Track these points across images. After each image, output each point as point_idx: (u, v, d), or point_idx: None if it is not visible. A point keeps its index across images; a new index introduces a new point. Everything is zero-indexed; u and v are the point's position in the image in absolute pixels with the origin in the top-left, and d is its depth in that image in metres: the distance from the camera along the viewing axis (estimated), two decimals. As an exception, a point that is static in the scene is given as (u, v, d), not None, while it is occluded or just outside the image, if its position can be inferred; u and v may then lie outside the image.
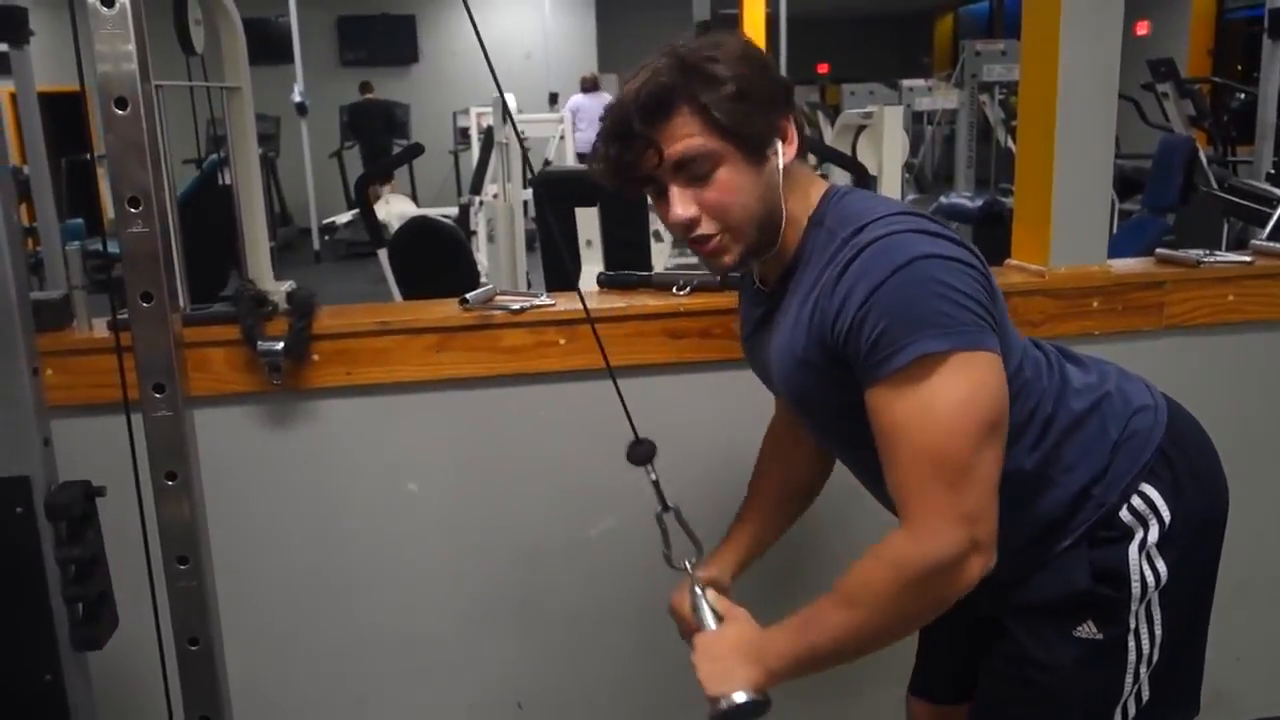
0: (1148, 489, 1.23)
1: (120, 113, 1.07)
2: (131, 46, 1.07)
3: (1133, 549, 1.22)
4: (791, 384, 1.23)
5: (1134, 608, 1.22)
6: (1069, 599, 1.23)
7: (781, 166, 1.18)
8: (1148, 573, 1.22)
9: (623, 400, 1.37)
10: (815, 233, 1.20)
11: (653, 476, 1.36)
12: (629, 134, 1.14)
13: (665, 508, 1.36)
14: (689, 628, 1.35)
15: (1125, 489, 1.23)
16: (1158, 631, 1.24)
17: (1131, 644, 1.23)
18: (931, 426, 1.07)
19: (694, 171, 1.15)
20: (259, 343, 1.62)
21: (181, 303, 2.10)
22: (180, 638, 1.21)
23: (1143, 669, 1.24)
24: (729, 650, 1.23)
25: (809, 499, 1.52)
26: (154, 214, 1.09)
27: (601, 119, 1.18)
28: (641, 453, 1.36)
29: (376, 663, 1.85)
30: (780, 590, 1.58)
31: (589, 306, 1.77)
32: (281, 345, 1.63)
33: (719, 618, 1.30)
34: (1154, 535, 1.22)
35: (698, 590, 1.33)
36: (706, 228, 1.18)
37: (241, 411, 1.70)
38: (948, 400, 1.07)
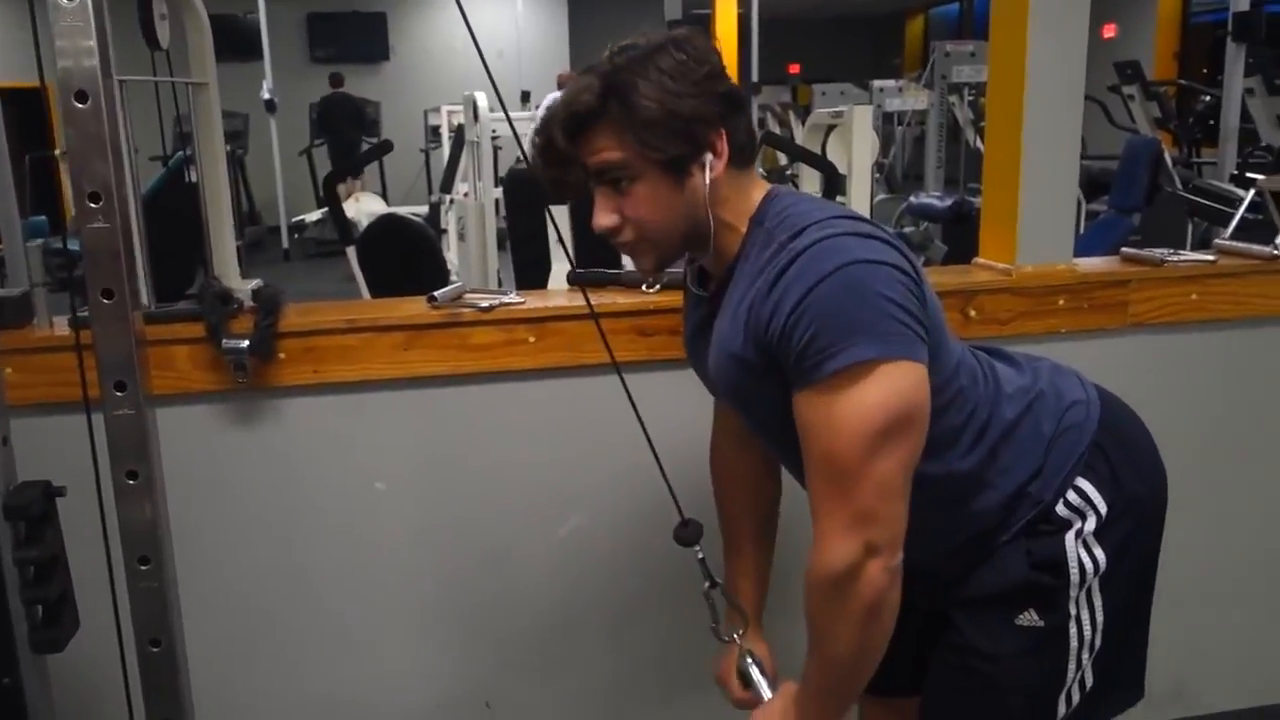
0: (1082, 483, 1.25)
1: (80, 106, 1.05)
2: (92, 41, 1.06)
3: (1069, 537, 1.24)
4: (729, 382, 1.24)
5: (1074, 594, 1.25)
6: (1009, 589, 1.25)
7: (709, 180, 1.18)
8: (1086, 560, 1.24)
9: (650, 441, 1.36)
10: (755, 232, 1.21)
11: (700, 555, 1.42)
12: (553, 147, 1.19)
13: (713, 584, 1.44)
14: (738, 696, 1.44)
15: (1060, 485, 1.25)
16: (1099, 618, 1.26)
17: (1073, 630, 1.25)
18: (826, 434, 1.10)
19: (613, 180, 1.19)
20: (224, 340, 1.61)
21: (146, 300, 2.08)
22: (141, 639, 1.19)
23: (1085, 655, 1.26)
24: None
25: (778, 507, 1.53)
26: (115, 209, 1.07)
27: (535, 131, 1.22)
28: (689, 534, 1.43)
29: (343, 663, 1.84)
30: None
31: (562, 305, 1.77)
32: (247, 343, 1.61)
33: (770, 681, 1.39)
34: (1091, 525, 1.24)
35: (749, 660, 1.42)
36: (626, 235, 1.22)
37: (206, 410, 1.68)
38: (853, 408, 1.08)
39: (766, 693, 1.38)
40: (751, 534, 1.51)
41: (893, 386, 1.09)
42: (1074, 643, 1.26)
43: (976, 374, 1.26)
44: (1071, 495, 1.25)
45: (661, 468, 1.43)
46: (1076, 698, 1.28)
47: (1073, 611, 1.25)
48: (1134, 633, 1.33)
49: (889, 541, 1.11)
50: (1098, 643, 1.27)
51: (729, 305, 1.22)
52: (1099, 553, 1.24)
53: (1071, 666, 1.26)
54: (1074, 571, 1.24)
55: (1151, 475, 1.33)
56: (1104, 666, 1.28)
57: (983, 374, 1.27)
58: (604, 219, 1.21)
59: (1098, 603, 1.26)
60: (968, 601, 1.28)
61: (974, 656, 1.27)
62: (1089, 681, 1.28)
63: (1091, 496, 1.25)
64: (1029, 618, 1.25)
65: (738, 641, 1.44)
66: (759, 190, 1.24)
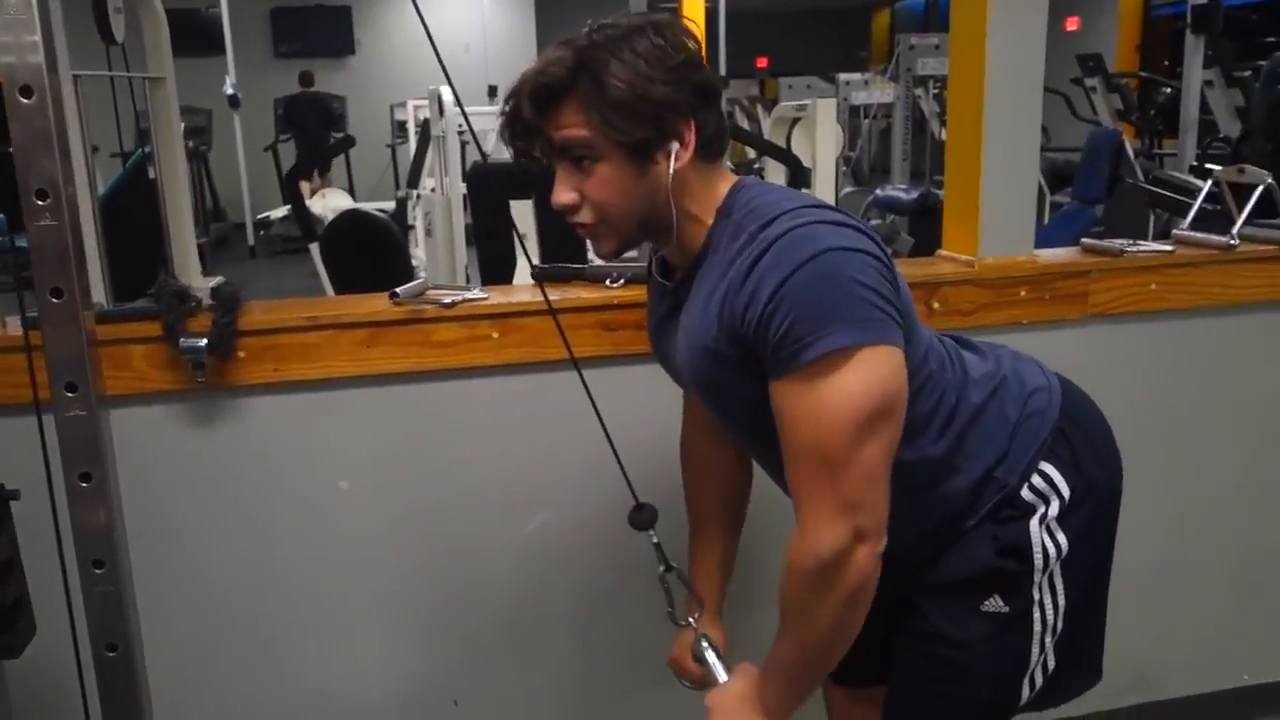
0: (1047, 467, 1.27)
1: (25, 101, 1.03)
2: (37, 36, 1.03)
3: (1033, 523, 1.26)
4: (700, 374, 1.23)
5: (1037, 579, 1.26)
6: (976, 575, 1.27)
7: (673, 170, 1.17)
8: (1049, 544, 1.26)
9: (605, 430, 1.37)
10: (722, 224, 1.20)
11: (655, 540, 1.42)
12: (519, 116, 1.17)
13: (668, 568, 1.43)
14: (695, 677, 1.44)
15: (1025, 469, 1.27)
16: (1061, 601, 1.28)
17: (1036, 615, 1.27)
18: (813, 423, 1.10)
19: (576, 158, 1.17)
20: (181, 339, 1.58)
21: (104, 299, 2.05)
22: (98, 644, 1.17)
23: (1048, 639, 1.29)
24: (740, 704, 1.28)
25: (747, 497, 1.54)
26: (63, 206, 1.05)
27: (505, 99, 1.20)
28: (644, 518, 1.42)
29: (309, 662, 1.82)
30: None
31: (526, 300, 1.76)
32: (205, 342, 1.58)
33: (726, 665, 1.37)
34: (1054, 509, 1.26)
35: (704, 644, 1.41)
36: (584, 216, 1.21)
37: (164, 410, 1.66)
38: (835, 396, 1.08)
39: (722, 675, 1.37)
40: (718, 523, 1.51)
41: (874, 373, 1.09)
42: (1037, 627, 1.28)
43: (944, 359, 1.27)
44: (1036, 479, 1.27)
45: (615, 451, 1.43)
46: (1039, 681, 1.31)
47: (1036, 596, 1.27)
48: (1092, 616, 1.36)
49: (876, 527, 1.12)
50: (1059, 626, 1.29)
51: (698, 298, 1.21)
52: (1061, 537, 1.26)
53: (1035, 650, 1.28)
54: (1038, 556, 1.26)
55: (1109, 461, 1.35)
56: (1065, 650, 1.31)
57: (950, 359, 1.28)
58: (563, 195, 1.19)
59: (1059, 587, 1.28)
60: (934, 588, 1.29)
61: (941, 643, 1.29)
62: (1051, 665, 1.30)
63: (1055, 481, 1.27)
64: (994, 604, 1.26)
65: (693, 625, 1.44)
66: (726, 183, 1.24)
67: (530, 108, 1.16)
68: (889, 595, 1.34)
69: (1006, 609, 1.26)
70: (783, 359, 1.10)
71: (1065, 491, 1.27)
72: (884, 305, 1.11)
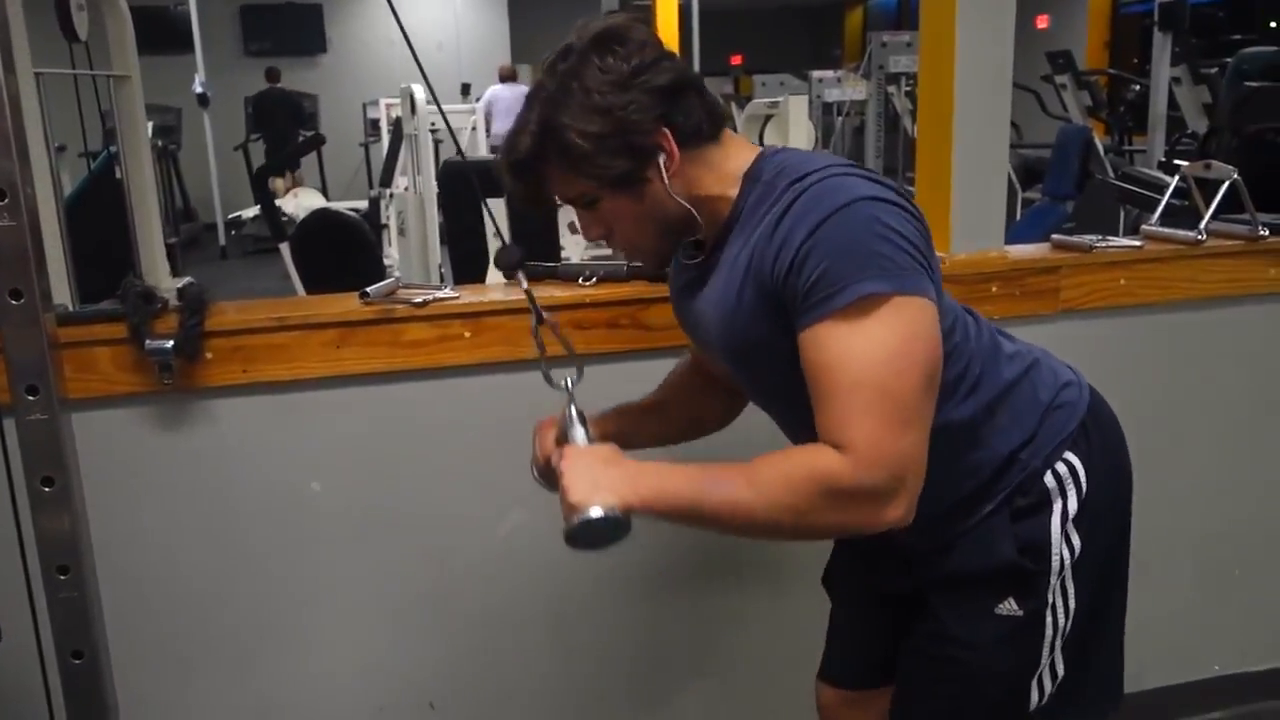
0: (1071, 457, 1.27)
1: (-19, 101, 1.02)
2: (-8, 33, 1.02)
3: (1055, 521, 1.25)
4: (731, 338, 1.21)
5: (1052, 582, 1.25)
6: (992, 572, 1.25)
7: (668, 178, 1.17)
8: (1063, 547, 1.25)
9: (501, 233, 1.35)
10: (749, 188, 1.20)
11: (524, 286, 1.36)
12: (514, 190, 1.22)
13: (540, 320, 1.36)
14: (543, 452, 1.33)
15: (1050, 455, 1.26)
16: (1072, 604, 1.27)
17: (1049, 618, 1.27)
18: (878, 363, 1.06)
19: (583, 205, 1.21)
20: (147, 341, 1.56)
21: (69, 301, 2.02)
22: (63, 651, 1.16)
23: (1058, 642, 1.28)
24: (600, 463, 1.15)
25: (702, 434, 1.50)
26: (22, 207, 1.04)
27: (496, 168, 1.23)
28: (508, 257, 1.35)
29: (281, 667, 1.80)
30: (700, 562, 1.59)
31: (498, 299, 1.75)
32: (171, 343, 1.56)
33: (591, 439, 1.24)
34: (1073, 505, 1.25)
35: (573, 408, 1.27)
36: (619, 243, 1.25)
37: (131, 413, 1.63)
38: (893, 339, 1.06)
39: (583, 440, 1.24)
40: (670, 415, 1.47)
41: (917, 322, 1.08)
42: (1049, 631, 1.27)
43: (969, 328, 1.26)
44: (1060, 466, 1.26)
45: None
46: (1049, 685, 1.29)
47: (1050, 599, 1.26)
48: (1103, 621, 1.34)
49: (916, 491, 1.09)
50: (1069, 628, 1.28)
51: (726, 259, 1.21)
52: (1075, 539, 1.26)
53: (1045, 652, 1.28)
54: (1055, 558, 1.25)
55: (1123, 468, 1.35)
56: (1073, 653, 1.29)
57: (977, 330, 1.28)
58: (592, 233, 1.24)
59: (1071, 590, 1.27)
60: (948, 583, 1.28)
61: (953, 645, 1.28)
62: (1060, 669, 1.29)
63: (1078, 471, 1.26)
64: (1008, 607, 1.25)
65: (568, 391, 1.30)
66: (746, 151, 1.23)
67: (515, 183, 1.21)
68: (900, 589, 1.33)
69: (1020, 612, 1.25)
70: (814, 304, 1.07)
71: (1084, 485, 1.26)
72: (917, 255, 1.09)
